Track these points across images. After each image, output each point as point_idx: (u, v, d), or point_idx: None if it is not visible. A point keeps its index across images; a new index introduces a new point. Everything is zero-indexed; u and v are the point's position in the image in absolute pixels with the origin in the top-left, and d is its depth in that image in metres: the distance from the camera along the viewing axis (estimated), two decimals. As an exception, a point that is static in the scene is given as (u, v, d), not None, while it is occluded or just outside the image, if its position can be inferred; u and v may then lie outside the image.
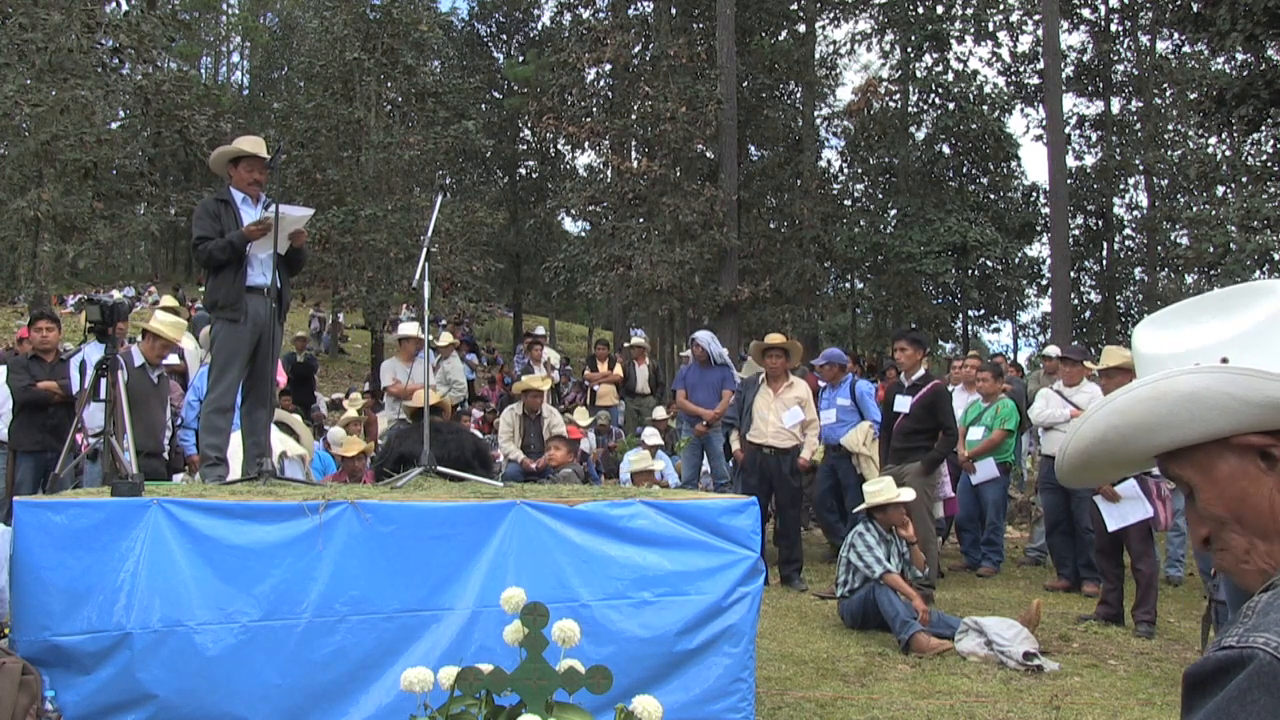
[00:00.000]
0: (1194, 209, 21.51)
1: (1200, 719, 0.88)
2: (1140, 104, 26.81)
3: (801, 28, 24.66)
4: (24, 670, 3.06)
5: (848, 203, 26.17)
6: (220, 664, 3.29)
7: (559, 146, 28.39)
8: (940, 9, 24.89)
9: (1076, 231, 26.51)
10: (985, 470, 8.24)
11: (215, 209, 4.82)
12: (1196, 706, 0.89)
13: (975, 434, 8.29)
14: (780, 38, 24.61)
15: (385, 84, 20.01)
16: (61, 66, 13.85)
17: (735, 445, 7.68)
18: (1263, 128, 14.29)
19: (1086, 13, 26.91)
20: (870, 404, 8.48)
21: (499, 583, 3.43)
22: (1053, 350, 10.78)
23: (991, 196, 25.84)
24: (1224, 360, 1.01)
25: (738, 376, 9.10)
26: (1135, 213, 28.01)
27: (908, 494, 6.31)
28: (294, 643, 3.37)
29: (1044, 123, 22.12)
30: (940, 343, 26.48)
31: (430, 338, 9.02)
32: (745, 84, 22.53)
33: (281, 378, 7.72)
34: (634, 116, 19.69)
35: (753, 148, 24.92)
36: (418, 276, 4.55)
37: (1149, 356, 1.09)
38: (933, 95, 24.89)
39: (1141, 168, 25.81)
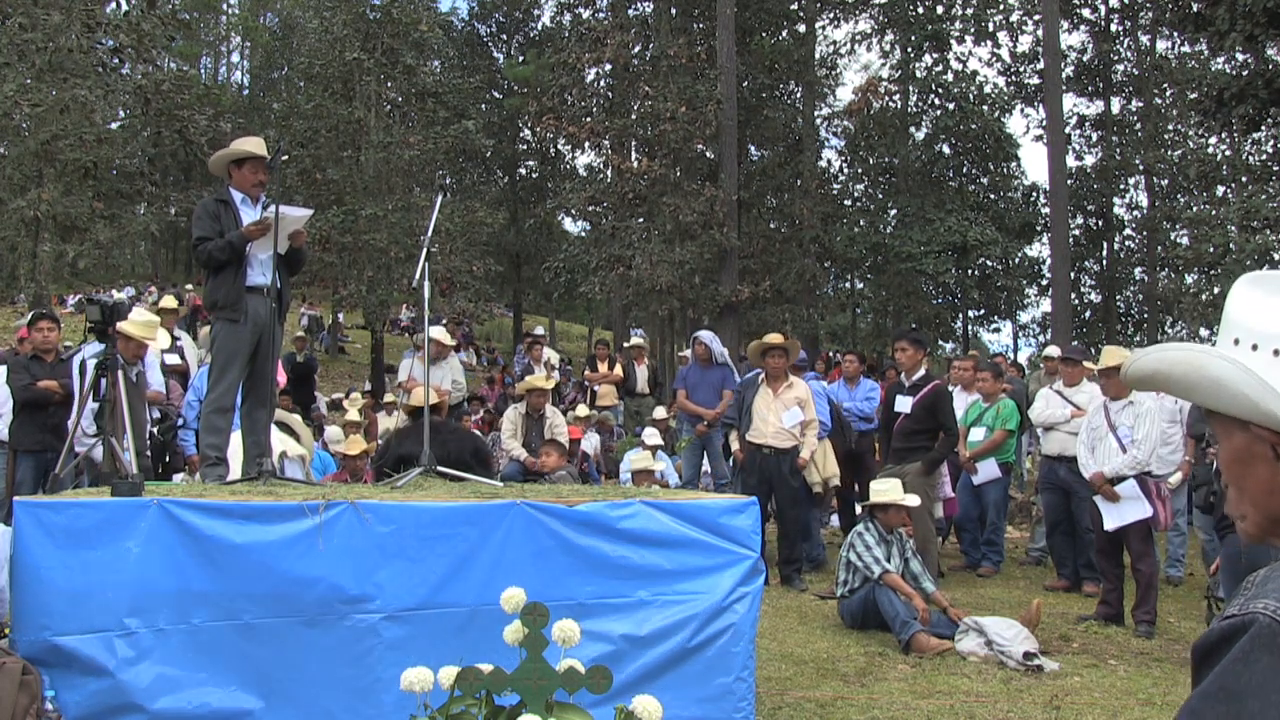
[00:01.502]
0: (1194, 209, 21.49)
1: (1208, 682, 0.92)
2: (1140, 104, 26.81)
3: (801, 28, 24.66)
4: (24, 670, 3.06)
5: (848, 203, 26.17)
6: (221, 664, 3.29)
7: (559, 146, 28.37)
8: (940, 9, 24.90)
9: (1076, 231, 26.50)
10: (987, 470, 8.23)
11: (215, 209, 4.82)
12: (1204, 675, 0.93)
13: (976, 434, 8.28)
14: (780, 38, 24.60)
15: (385, 84, 20.01)
16: (61, 66, 13.85)
17: (735, 445, 7.68)
18: (1262, 127, 14.29)
19: (1086, 13, 26.91)
20: (817, 403, 8.36)
21: (499, 582, 3.43)
22: (1054, 351, 10.78)
23: (991, 196, 25.85)
24: (1276, 353, 1.03)
25: (737, 376, 9.10)
26: (1135, 213, 28.01)
27: (913, 500, 6.30)
28: (294, 642, 3.37)
29: (1044, 123, 22.12)
30: (940, 343, 26.48)
31: (441, 340, 9.05)
32: (745, 84, 22.52)
33: (281, 378, 7.72)
34: (634, 116, 19.69)
35: (753, 148, 24.91)
36: (418, 276, 4.55)
37: (1229, 315, 1.10)
38: (933, 95, 24.90)
39: (1141, 168, 25.80)
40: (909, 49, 24.81)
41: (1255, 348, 1.05)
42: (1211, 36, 13.19)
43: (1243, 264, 14.79)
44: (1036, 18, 23.87)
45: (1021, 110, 27.69)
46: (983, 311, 27.79)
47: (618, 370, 12.59)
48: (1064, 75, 23.87)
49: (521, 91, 29.45)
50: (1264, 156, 16.35)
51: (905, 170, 24.48)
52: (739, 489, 7.53)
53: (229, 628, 3.32)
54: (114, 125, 16.28)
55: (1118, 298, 27.64)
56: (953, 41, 24.97)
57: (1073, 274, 23.87)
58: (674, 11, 22.76)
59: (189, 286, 28.83)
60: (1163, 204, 25.42)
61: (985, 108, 24.71)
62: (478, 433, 9.86)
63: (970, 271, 24.48)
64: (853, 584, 6.11)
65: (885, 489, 6.27)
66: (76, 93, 13.68)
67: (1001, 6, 25.82)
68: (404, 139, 19.21)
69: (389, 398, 12.29)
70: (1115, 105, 28.06)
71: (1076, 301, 25.71)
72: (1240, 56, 14.28)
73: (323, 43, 20.25)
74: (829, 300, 28.06)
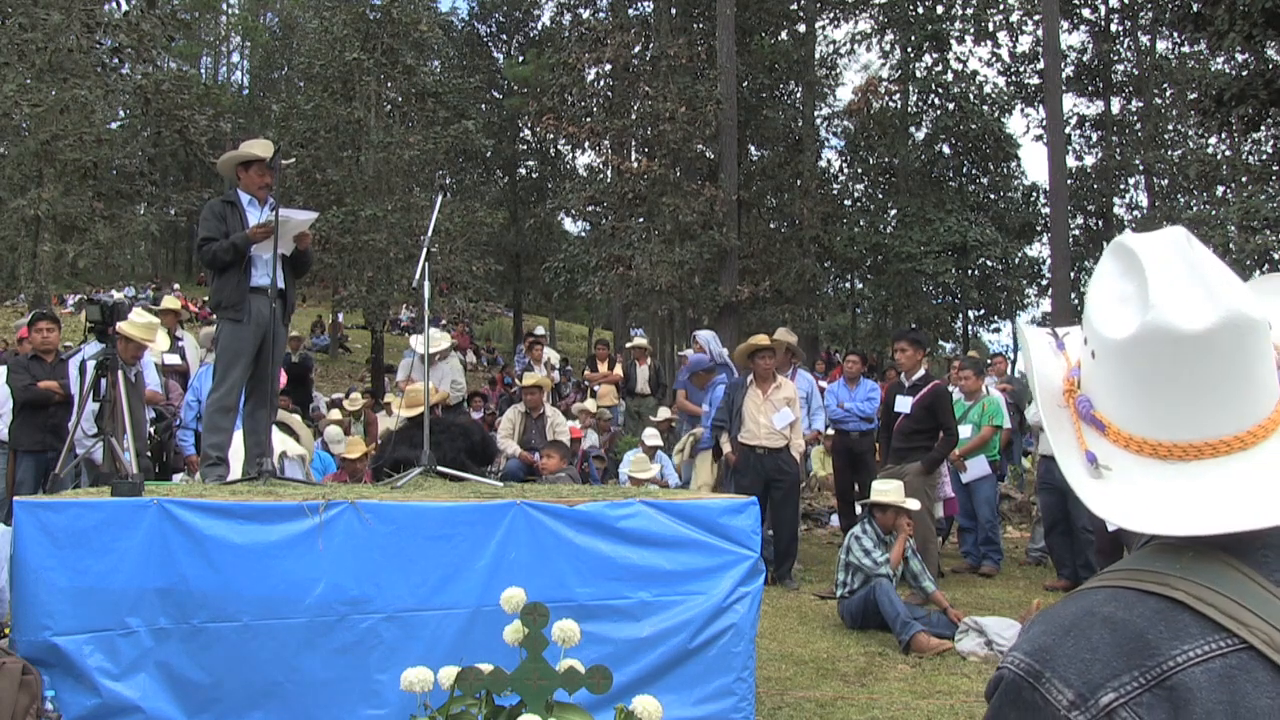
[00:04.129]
0: (1194, 209, 21.52)
1: None
2: (1140, 104, 26.82)
3: (801, 28, 24.68)
4: (24, 670, 3.06)
5: (848, 203, 26.18)
6: (221, 664, 3.29)
7: (559, 146, 28.41)
8: (940, 9, 24.91)
9: (1076, 231, 26.52)
10: (976, 468, 8.23)
11: (221, 210, 4.82)
12: None
13: (963, 432, 8.27)
14: (780, 38, 24.63)
15: (385, 84, 20.00)
16: (61, 66, 13.85)
17: (726, 448, 7.65)
18: (1262, 128, 14.30)
19: (1086, 13, 26.92)
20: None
21: (499, 583, 3.43)
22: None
23: (991, 196, 25.87)
24: (1094, 355, 0.99)
25: (737, 376, 9.10)
26: (1135, 213, 28.01)
27: (913, 504, 6.30)
28: (294, 642, 3.37)
29: (1044, 123, 22.13)
30: (940, 343, 26.49)
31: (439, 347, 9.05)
32: (745, 84, 22.53)
33: (281, 378, 7.72)
34: (634, 116, 19.70)
35: (753, 148, 24.91)
36: (418, 276, 4.56)
37: (1089, 296, 1.02)
38: (933, 95, 24.90)
39: (1141, 168, 25.82)
40: (909, 49, 24.82)
41: (1095, 355, 0.99)
42: (1211, 36, 13.20)
43: (1242, 264, 14.80)
44: (1036, 18, 23.88)
45: (1021, 110, 27.71)
46: (983, 312, 27.78)
47: (617, 370, 12.58)
48: (1064, 75, 23.88)
49: (521, 91, 29.47)
50: (1264, 156, 16.36)
51: (905, 170, 24.49)
52: (731, 490, 7.52)
53: (229, 628, 3.32)
54: (114, 125, 16.29)
55: (1118, 298, 27.62)
56: (953, 41, 24.98)
57: (1073, 274, 23.85)
58: (674, 11, 22.77)
59: (175, 286, 28.88)
60: (1163, 204, 25.41)
61: (985, 108, 24.73)
62: (476, 424, 9.84)
63: (970, 271, 24.48)
64: (852, 585, 6.11)
65: (887, 489, 6.27)
66: (76, 93, 13.68)
67: (1001, 6, 25.83)
68: (404, 139, 19.21)
69: (389, 398, 12.29)
70: (1115, 105, 28.10)
71: (1076, 301, 25.67)
72: (1240, 56, 14.30)
73: (322, 43, 20.24)
74: (829, 300, 28.07)
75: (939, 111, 24.87)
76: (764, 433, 7.34)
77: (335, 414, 11.03)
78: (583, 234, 26.42)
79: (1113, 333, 0.94)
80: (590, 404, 11.61)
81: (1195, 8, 13.87)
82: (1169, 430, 0.93)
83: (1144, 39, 27.03)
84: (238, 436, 4.99)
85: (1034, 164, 38.97)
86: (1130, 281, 0.95)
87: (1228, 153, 19.02)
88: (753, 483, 7.31)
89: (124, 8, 15.14)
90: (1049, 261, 22.83)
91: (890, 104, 24.93)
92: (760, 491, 7.30)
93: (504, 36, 33.47)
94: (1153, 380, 0.92)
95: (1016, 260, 25.16)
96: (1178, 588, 0.88)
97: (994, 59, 26.72)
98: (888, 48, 26.23)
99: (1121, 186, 27.59)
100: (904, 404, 7.19)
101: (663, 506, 3.87)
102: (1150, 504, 0.92)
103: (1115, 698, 0.84)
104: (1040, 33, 21.56)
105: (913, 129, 25.33)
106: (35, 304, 14.28)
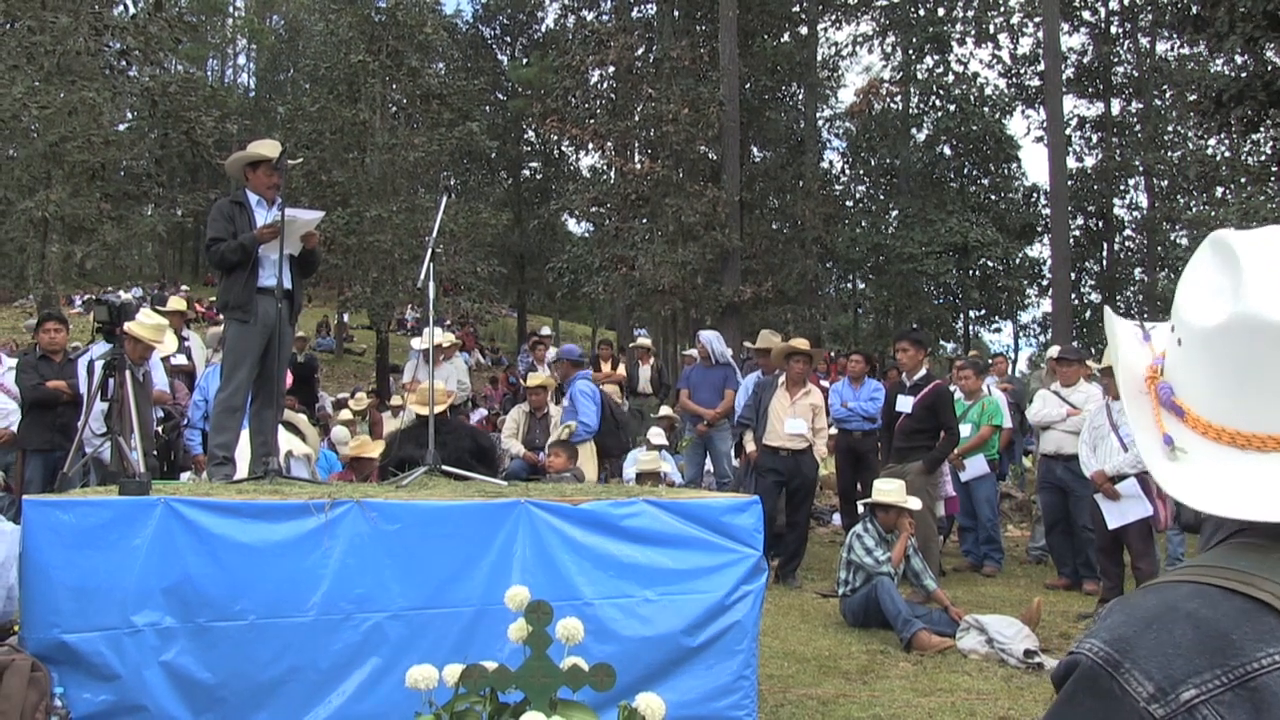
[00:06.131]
0: (1194, 209, 21.53)
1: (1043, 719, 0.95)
2: (1140, 105, 26.82)
3: (803, 30, 24.72)
4: (33, 668, 3.09)
5: (849, 204, 26.22)
6: (227, 661, 3.32)
7: (563, 148, 28.46)
8: (941, 11, 24.94)
9: (1077, 232, 26.53)
10: (975, 467, 8.26)
11: (230, 211, 4.86)
12: None
13: (962, 431, 8.30)
14: (782, 40, 24.66)
15: (390, 86, 20.06)
16: (69, 69, 13.92)
17: (750, 447, 7.67)
18: (1261, 129, 14.30)
19: (1087, 15, 26.93)
20: (581, 404, 8.04)
21: (503, 581, 3.46)
22: (1056, 351, 10.81)
23: (992, 197, 25.89)
24: (1180, 342, 0.98)
25: (740, 376, 9.12)
26: (1135, 213, 28.02)
27: (915, 503, 6.33)
28: (300, 640, 3.39)
29: (1044, 124, 22.15)
30: (942, 343, 26.51)
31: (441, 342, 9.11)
32: (747, 86, 22.57)
33: (287, 378, 7.75)
34: (637, 118, 19.75)
35: (755, 149, 24.96)
36: (422, 277, 4.60)
37: (1181, 286, 1.03)
38: (934, 97, 24.94)
39: (1141, 168, 25.81)
40: (910, 51, 24.86)
41: (1181, 343, 0.99)
42: (1211, 38, 13.21)
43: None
44: (1037, 20, 23.90)
45: (1022, 112, 27.73)
46: (983, 312, 27.80)
47: (620, 370, 12.60)
48: (1064, 77, 23.89)
49: (525, 93, 29.52)
50: (1263, 157, 16.37)
51: (906, 171, 24.52)
52: (751, 489, 7.55)
53: (235, 626, 3.35)
54: (121, 127, 16.37)
55: (1118, 298, 27.64)
56: (954, 43, 25.03)
57: (1073, 274, 23.89)
58: (677, 14, 22.82)
59: (184, 286, 28.95)
60: (1162, 205, 25.42)
61: (986, 109, 24.75)
62: (481, 430, 9.87)
63: (971, 272, 24.51)
64: (854, 583, 6.14)
65: (889, 489, 6.30)
66: (84, 95, 13.74)
67: (1002, 9, 25.87)
68: (409, 141, 19.26)
69: (395, 399, 12.33)
70: (1115, 107, 28.10)
71: (1076, 302, 25.71)
72: (1239, 58, 14.30)
73: (328, 45, 20.31)
74: (831, 300, 28.11)
75: (940, 113, 24.91)
76: (787, 435, 7.39)
77: (344, 414, 11.08)
78: (586, 235, 26.46)
79: (1201, 321, 0.95)
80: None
81: (1195, 10, 13.88)
82: (1250, 420, 0.92)
83: (1144, 41, 27.03)
84: (244, 436, 5.02)
85: (1034, 165, 39.02)
86: (1225, 275, 0.96)
87: (1227, 154, 19.03)
88: (773, 482, 7.37)
89: (131, 11, 15.21)
90: (1049, 262, 22.86)
91: (892, 105, 24.98)
92: (779, 490, 7.39)
93: (508, 39, 33.53)
94: (1238, 370, 0.92)
95: (1017, 261, 25.18)
96: (1264, 589, 0.86)
97: (995, 61, 26.77)
98: (889, 50, 26.29)
99: (1121, 187, 27.59)
100: (905, 403, 7.22)
101: (666, 505, 3.89)
102: (1224, 488, 0.91)
103: (1196, 694, 0.83)
104: (1041, 35, 21.58)
105: (914, 130, 25.38)
106: (44, 304, 14.34)
